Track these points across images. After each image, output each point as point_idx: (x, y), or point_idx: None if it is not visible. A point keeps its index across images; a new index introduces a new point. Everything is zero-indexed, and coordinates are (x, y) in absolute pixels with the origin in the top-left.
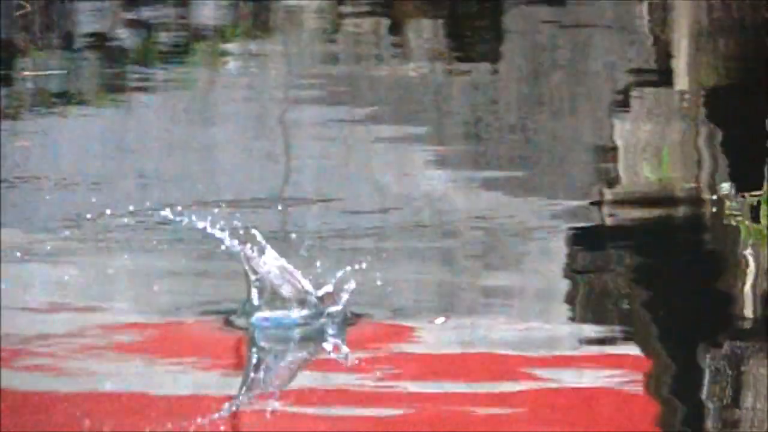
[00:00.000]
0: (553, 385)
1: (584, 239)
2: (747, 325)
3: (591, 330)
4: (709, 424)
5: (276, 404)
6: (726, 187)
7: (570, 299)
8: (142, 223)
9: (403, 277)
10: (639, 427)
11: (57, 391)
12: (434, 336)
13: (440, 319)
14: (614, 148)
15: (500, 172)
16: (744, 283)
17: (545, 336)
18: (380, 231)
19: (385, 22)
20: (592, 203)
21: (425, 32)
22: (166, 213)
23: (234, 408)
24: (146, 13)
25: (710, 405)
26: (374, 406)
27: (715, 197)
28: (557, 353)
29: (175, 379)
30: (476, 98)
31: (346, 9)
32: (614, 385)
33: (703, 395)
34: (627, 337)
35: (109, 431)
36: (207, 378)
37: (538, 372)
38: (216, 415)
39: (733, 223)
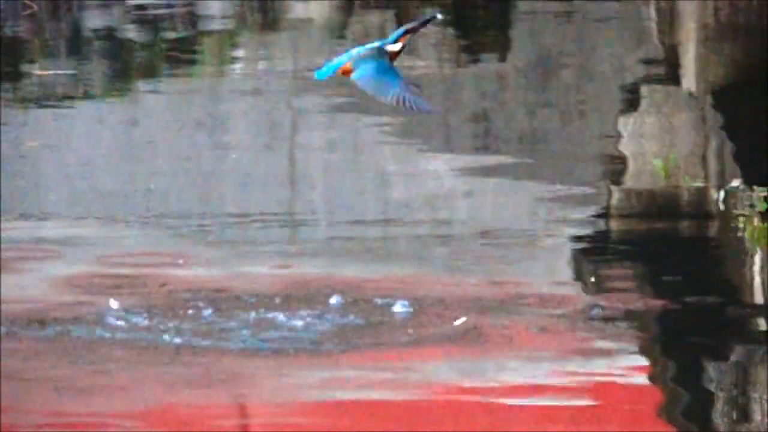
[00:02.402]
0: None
1: (590, 242)
2: (755, 324)
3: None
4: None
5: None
6: (735, 184)
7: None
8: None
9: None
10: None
11: None
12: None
13: (461, 320)
14: (621, 147)
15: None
16: (752, 279)
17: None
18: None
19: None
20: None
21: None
22: None
23: None
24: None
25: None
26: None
27: (723, 194)
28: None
29: None
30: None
31: None
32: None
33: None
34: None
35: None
36: None
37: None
38: None
39: (741, 222)
